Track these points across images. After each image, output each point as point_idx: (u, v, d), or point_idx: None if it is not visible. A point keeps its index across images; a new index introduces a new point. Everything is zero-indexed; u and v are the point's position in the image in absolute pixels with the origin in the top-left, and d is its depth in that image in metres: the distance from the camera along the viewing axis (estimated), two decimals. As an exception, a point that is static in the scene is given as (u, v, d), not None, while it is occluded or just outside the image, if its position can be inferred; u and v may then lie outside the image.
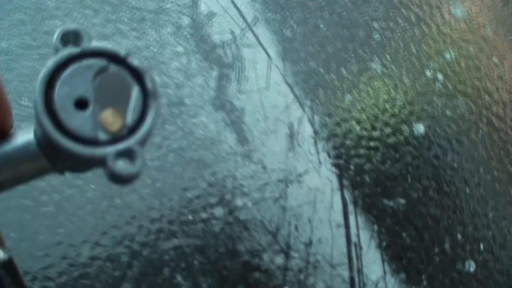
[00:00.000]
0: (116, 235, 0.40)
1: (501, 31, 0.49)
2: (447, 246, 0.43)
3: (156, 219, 0.41)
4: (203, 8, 0.46)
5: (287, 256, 0.41)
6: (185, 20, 0.45)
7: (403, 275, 0.42)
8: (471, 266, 0.43)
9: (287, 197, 0.42)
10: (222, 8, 0.46)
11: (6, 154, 0.25)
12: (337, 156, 0.44)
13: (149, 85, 0.24)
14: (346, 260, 0.42)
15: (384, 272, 0.42)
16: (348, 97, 0.45)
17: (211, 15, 0.46)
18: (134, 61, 0.24)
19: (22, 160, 0.26)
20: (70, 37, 0.25)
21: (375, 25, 0.47)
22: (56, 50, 0.24)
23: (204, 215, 0.41)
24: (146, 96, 0.24)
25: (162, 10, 0.45)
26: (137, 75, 0.24)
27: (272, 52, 0.45)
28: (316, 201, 0.42)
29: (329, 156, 0.43)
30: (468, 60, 0.48)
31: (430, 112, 0.46)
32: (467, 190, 0.44)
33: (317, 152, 0.43)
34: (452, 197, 0.44)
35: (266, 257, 0.41)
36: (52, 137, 0.23)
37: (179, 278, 0.40)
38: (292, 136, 0.44)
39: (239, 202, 0.41)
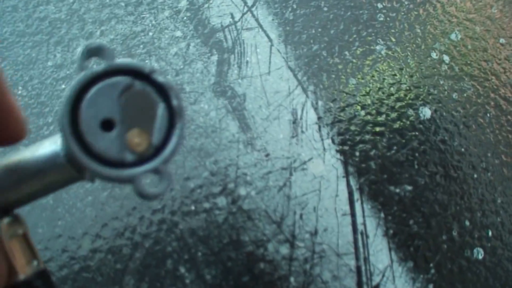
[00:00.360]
0: (117, 227, 0.39)
1: (507, 10, 0.48)
2: (455, 233, 0.42)
3: (157, 210, 0.40)
4: (201, -10, 0.44)
5: (292, 246, 0.40)
6: (183, 3, 0.44)
7: (410, 264, 0.41)
8: (479, 253, 0.42)
9: (291, 185, 0.41)
10: (221, -9, 0.45)
11: (36, 168, 0.26)
12: (342, 143, 0.42)
13: (174, 102, 0.24)
14: (352, 249, 0.41)
15: (391, 260, 0.41)
16: (352, 81, 0.44)
17: (210, -2, 0.44)
18: (159, 77, 0.24)
19: (51, 172, 0.26)
20: (93, 53, 0.24)
21: (379, 5, 0.45)
22: (80, 68, 0.23)
23: (206, 205, 0.40)
24: (172, 113, 0.24)
25: (159, -6, 0.44)
26: (163, 92, 0.24)
27: (273, 35, 0.44)
28: (321, 189, 0.41)
29: (333, 142, 0.42)
30: (474, 41, 0.46)
31: (436, 95, 0.44)
32: (475, 175, 0.44)
33: (322, 139, 0.42)
34: (459, 182, 0.43)
35: (271, 247, 0.40)
36: (80, 161, 0.23)
37: (182, 269, 0.39)
38: (295, 122, 0.42)
39: (242, 191, 0.40)
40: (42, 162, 0.26)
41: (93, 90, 0.24)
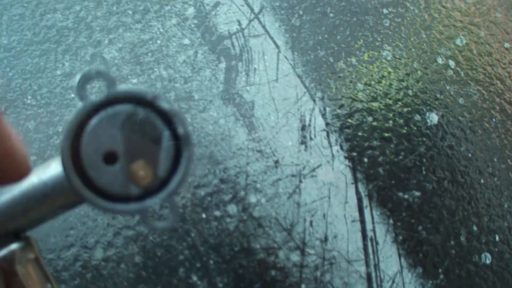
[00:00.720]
0: (128, 236, 0.39)
1: (511, 14, 0.48)
2: (462, 238, 0.42)
3: (168, 218, 0.40)
4: (209, -2, 0.44)
5: (303, 253, 0.41)
6: (190, 11, 0.44)
7: (419, 269, 0.41)
8: (487, 258, 0.43)
9: (301, 192, 0.41)
10: (228, -2, 0.45)
11: (43, 193, 0.25)
12: (350, 149, 0.43)
13: (180, 129, 0.23)
14: (362, 256, 0.41)
15: (401, 266, 0.41)
16: (359, 86, 0.44)
17: (216, 4, 0.44)
18: (163, 103, 0.23)
19: (59, 197, 0.25)
20: (92, 79, 0.23)
21: (384, 11, 0.46)
22: (79, 98, 0.22)
23: (217, 213, 0.40)
24: (178, 140, 0.23)
25: (166, 1, 0.44)
26: (167, 118, 0.23)
27: (280, 42, 0.44)
28: (331, 196, 0.42)
29: (342, 149, 0.43)
30: (479, 45, 0.47)
31: (442, 100, 0.45)
32: (482, 181, 0.44)
33: (330, 145, 0.43)
34: (466, 187, 0.43)
35: (281, 254, 0.40)
36: (83, 196, 0.22)
37: (194, 278, 0.39)
38: (304, 129, 0.43)
39: (252, 198, 0.41)
40: (49, 187, 0.25)
41: (93, 122, 0.23)
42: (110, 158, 0.23)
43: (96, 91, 0.40)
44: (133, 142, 0.23)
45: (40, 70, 0.41)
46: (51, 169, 0.25)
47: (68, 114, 0.41)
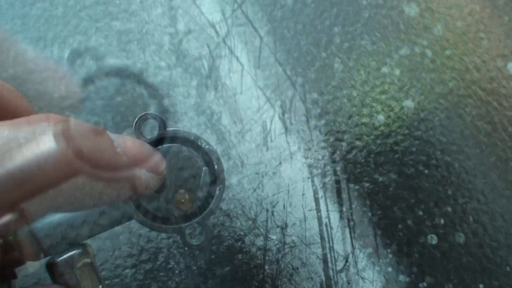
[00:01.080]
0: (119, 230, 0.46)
1: (487, 6, 0.54)
2: (410, 222, 0.48)
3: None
4: (181, 26, 0.52)
5: (266, 238, 0.47)
6: (166, 39, 0.52)
7: (370, 250, 0.47)
8: (433, 239, 0.48)
9: (263, 187, 0.48)
10: (198, 25, 0.52)
11: (99, 209, 0.30)
12: (307, 149, 0.49)
13: (216, 166, 0.28)
14: (318, 240, 0.47)
15: (353, 248, 0.47)
16: (314, 95, 0.51)
17: (188, 32, 0.52)
18: (203, 144, 0.28)
19: (113, 213, 0.30)
20: (147, 121, 0.29)
21: (364, 2, 0.52)
22: (136, 136, 0.27)
23: (191, 207, 0.47)
24: (213, 176, 0.28)
25: (146, 32, 0.52)
26: (206, 156, 0.28)
27: (244, 61, 0.51)
28: (289, 189, 0.48)
29: (299, 149, 0.49)
30: (456, 35, 0.52)
31: (419, 88, 0.50)
32: (456, 164, 0.49)
33: (289, 146, 0.49)
34: (412, 178, 0.49)
35: (247, 240, 0.47)
36: (135, 218, 0.27)
37: (172, 263, 0.46)
38: (265, 133, 0.49)
39: (221, 194, 0.47)
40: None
41: None
42: (159, 187, 0.27)
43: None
44: (177, 175, 0.27)
45: (40, 94, 0.49)
46: None
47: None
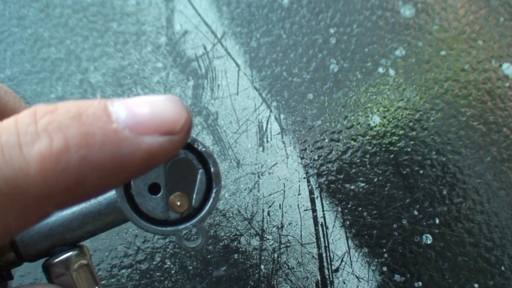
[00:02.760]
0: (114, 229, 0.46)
1: (447, 26, 0.55)
2: (405, 222, 0.48)
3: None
4: (177, 27, 0.52)
5: (262, 238, 0.47)
6: (163, 39, 0.52)
7: (365, 249, 0.47)
8: (428, 238, 0.48)
9: (259, 187, 0.48)
10: (194, 26, 0.52)
11: (98, 211, 0.30)
12: (303, 149, 0.49)
13: (212, 168, 0.28)
14: (314, 239, 0.47)
15: (349, 247, 0.47)
16: (310, 96, 0.51)
17: (185, 33, 0.52)
18: (200, 146, 0.27)
19: (111, 215, 0.31)
20: None
21: (331, 30, 0.53)
22: None
23: (187, 207, 0.47)
24: (210, 178, 0.28)
25: (142, 32, 0.52)
26: (202, 159, 0.28)
27: (240, 62, 0.52)
28: (285, 189, 0.48)
29: (295, 149, 0.49)
30: (417, 54, 0.53)
31: (384, 104, 0.51)
32: (451, 164, 0.50)
33: (284, 146, 0.49)
34: (407, 178, 0.49)
35: (243, 240, 0.47)
36: (131, 220, 0.27)
37: (168, 262, 0.46)
38: (261, 134, 0.50)
39: (217, 194, 0.47)
40: (103, 206, 0.30)
41: None
42: (154, 188, 0.27)
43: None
44: (173, 177, 0.27)
45: (37, 95, 0.49)
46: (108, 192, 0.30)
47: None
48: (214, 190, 0.28)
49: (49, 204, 0.20)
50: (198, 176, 0.28)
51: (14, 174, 0.19)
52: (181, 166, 0.27)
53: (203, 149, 0.27)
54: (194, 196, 0.28)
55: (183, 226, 0.27)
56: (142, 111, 0.21)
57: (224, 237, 0.47)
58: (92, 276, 0.31)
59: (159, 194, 0.27)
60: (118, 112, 0.21)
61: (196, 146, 0.27)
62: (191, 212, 0.28)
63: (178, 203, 0.28)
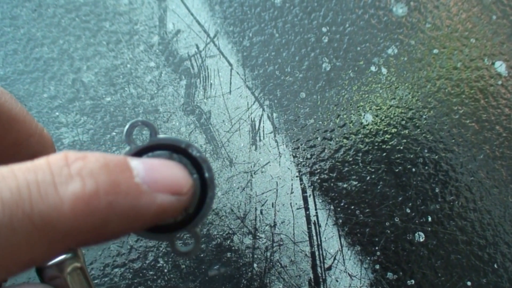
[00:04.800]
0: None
1: (439, 24, 0.55)
2: (397, 220, 0.48)
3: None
4: (170, 27, 0.52)
5: (255, 237, 0.47)
6: (155, 39, 0.52)
7: (358, 248, 0.47)
8: (420, 236, 0.48)
9: (252, 186, 0.48)
10: (187, 26, 0.52)
11: None
12: (295, 147, 0.50)
13: (207, 174, 0.27)
14: (307, 238, 0.47)
15: (341, 245, 0.47)
16: (302, 94, 0.51)
17: (177, 32, 0.52)
18: (194, 152, 0.27)
19: None
20: (138, 127, 0.28)
21: (323, 29, 0.53)
22: (127, 142, 0.27)
23: (180, 206, 0.47)
24: (204, 183, 0.27)
25: (135, 32, 0.52)
26: (197, 164, 0.27)
27: (232, 61, 0.52)
28: (278, 188, 0.48)
29: (287, 147, 0.49)
30: (410, 53, 0.53)
31: (376, 102, 0.51)
32: (443, 162, 0.50)
33: (277, 145, 0.49)
34: (400, 176, 0.49)
35: (236, 239, 0.47)
36: None
37: (161, 261, 0.46)
38: (254, 132, 0.50)
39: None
40: None
41: None
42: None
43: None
44: None
45: (30, 94, 0.49)
46: None
47: (53, 130, 0.48)
48: (208, 196, 0.27)
49: (74, 241, 0.21)
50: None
51: (49, 210, 0.20)
52: None
53: (198, 154, 0.27)
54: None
55: (176, 232, 0.27)
56: (158, 171, 0.24)
57: (217, 235, 0.47)
58: (85, 279, 0.32)
59: None
60: (138, 169, 0.23)
61: (190, 151, 0.27)
62: (185, 218, 0.28)
63: None
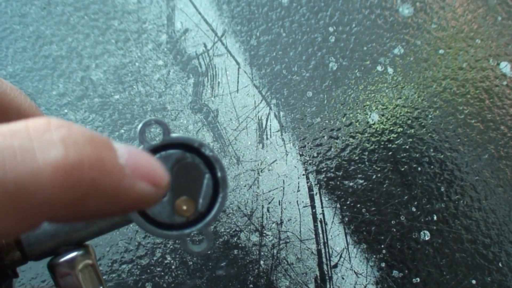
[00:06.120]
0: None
1: (444, 25, 0.55)
2: (403, 218, 0.49)
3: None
4: (178, 26, 0.53)
5: (261, 234, 0.47)
6: (163, 37, 0.52)
7: (364, 246, 0.48)
8: (426, 235, 0.49)
9: (259, 184, 0.49)
10: (195, 25, 0.53)
11: None
12: (302, 146, 0.50)
13: (219, 173, 0.27)
14: (313, 235, 0.48)
15: (347, 243, 0.48)
16: (309, 93, 0.51)
17: (185, 31, 0.53)
18: (207, 151, 0.27)
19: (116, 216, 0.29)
20: (151, 126, 0.28)
21: (330, 29, 0.53)
22: (140, 141, 0.27)
23: (187, 203, 0.47)
24: (216, 183, 0.27)
25: (143, 30, 0.52)
26: (209, 163, 0.27)
27: (240, 60, 0.52)
28: (285, 186, 0.49)
29: (294, 146, 0.50)
30: (416, 53, 0.53)
31: (382, 102, 0.52)
32: (449, 162, 0.50)
33: (284, 143, 0.50)
34: (405, 175, 0.50)
35: (243, 236, 0.47)
36: (136, 222, 0.27)
37: (169, 258, 0.46)
38: (261, 131, 0.50)
39: (217, 190, 0.48)
40: None
41: None
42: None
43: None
44: (180, 181, 0.27)
45: (39, 91, 0.50)
46: None
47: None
48: (220, 195, 0.27)
49: (49, 213, 0.20)
50: (205, 181, 0.28)
51: (25, 177, 0.19)
52: (188, 171, 0.27)
53: (210, 153, 0.27)
54: (200, 200, 0.28)
55: (188, 230, 0.27)
56: (140, 158, 0.23)
57: (224, 233, 0.47)
58: (96, 276, 0.32)
59: (165, 198, 0.27)
60: (121, 150, 0.22)
61: (203, 150, 0.27)
62: (197, 217, 0.28)
63: (184, 207, 0.27)
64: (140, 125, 0.27)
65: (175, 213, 0.27)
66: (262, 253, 0.47)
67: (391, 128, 0.51)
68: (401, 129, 0.51)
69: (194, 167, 0.27)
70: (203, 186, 0.27)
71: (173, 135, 0.27)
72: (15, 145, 0.19)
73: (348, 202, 0.49)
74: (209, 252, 0.47)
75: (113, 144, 0.22)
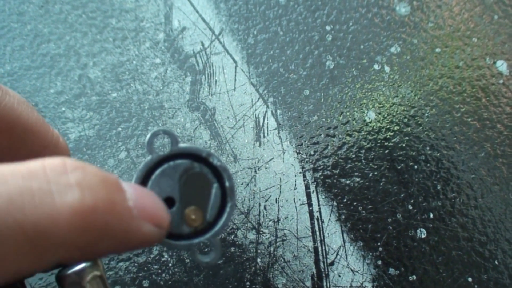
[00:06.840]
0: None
1: (441, 23, 0.55)
2: (399, 216, 0.49)
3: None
4: (175, 24, 0.53)
5: (258, 232, 0.48)
6: (161, 36, 0.52)
7: (360, 243, 0.48)
8: (422, 232, 0.49)
9: (256, 182, 0.49)
10: (192, 23, 0.53)
11: None
12: (299, 144, 0.50)
13: (227, 183, 0.27)
14: (310, 233, 0.48)
15: (344, 241, 0.48)
16: (306, 92, 0.52)
17: (183, 29, 0.53)
18: (215, 161, 0.27)
19: None
20: (160, 137, 0.29)
21: (327, 28, 0.53)
22: (149, 151, 0.27)
23: (184, 201, 0.47)
24: (224, 192, 0.27)
25: (141, 29, 0.52)
26: (217, 173, 0.27)
27: (237, 58, 0.52)
28: (282, 184, 0.49)
29: (291, 144, 0.50)
30: (412, 52, 0.54)
31: (379, 100, 0.52)
32: (445, 160, 0.50)
33: (281, 141, 0.50)
34: (402, 173, 0.50)
35: (240, 234, 0.47)
36: None
37: (166, 256, 0.47)
38: (258, 129, 0.50)
39: (214, 188, 0.48)
40: None
41: (157, 172, 0.27)
42: (168, 202, 0.27)
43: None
44: (188, 191, 0.27)
45: (37, 90, 0.50)
46: None
47: (59, 125, 0.49)
48: (228, 205, 0.28)
49: (63, 255, 0.20)
50: (213, 191, 0.28)
51: (43, 220, 0.19)
52: (196, 180, 0.27)
53: (218, 163, 0.27)
54: (209, 210, 0.28)
55: (197, 240, 0.27)
56: (146, 199, 0.23)
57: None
58: (105, 287, 0.32)
59: (174, 208, 0.27)
60: (129, 192, 0.23)
61: (211, 160, 0.27)
62: (205, 226, 0.28)
63: (193, 217, 0.27)
64: (148, 136, 0.27)
65: (183, 223, 0.27)
66: (259, 251, 0.47)
67: (388, 127, 0.51)
68: (398, 127, 0.51)
69: (202, 177, 0.27)
70: (211, 195, 0.27)
71: (181, 145, 0.27)
72: (34, 188, 0.19)
73: (344, 200, 0.49)
74: (205, 249, 0.47)
75: (122, 185, 0.23)
